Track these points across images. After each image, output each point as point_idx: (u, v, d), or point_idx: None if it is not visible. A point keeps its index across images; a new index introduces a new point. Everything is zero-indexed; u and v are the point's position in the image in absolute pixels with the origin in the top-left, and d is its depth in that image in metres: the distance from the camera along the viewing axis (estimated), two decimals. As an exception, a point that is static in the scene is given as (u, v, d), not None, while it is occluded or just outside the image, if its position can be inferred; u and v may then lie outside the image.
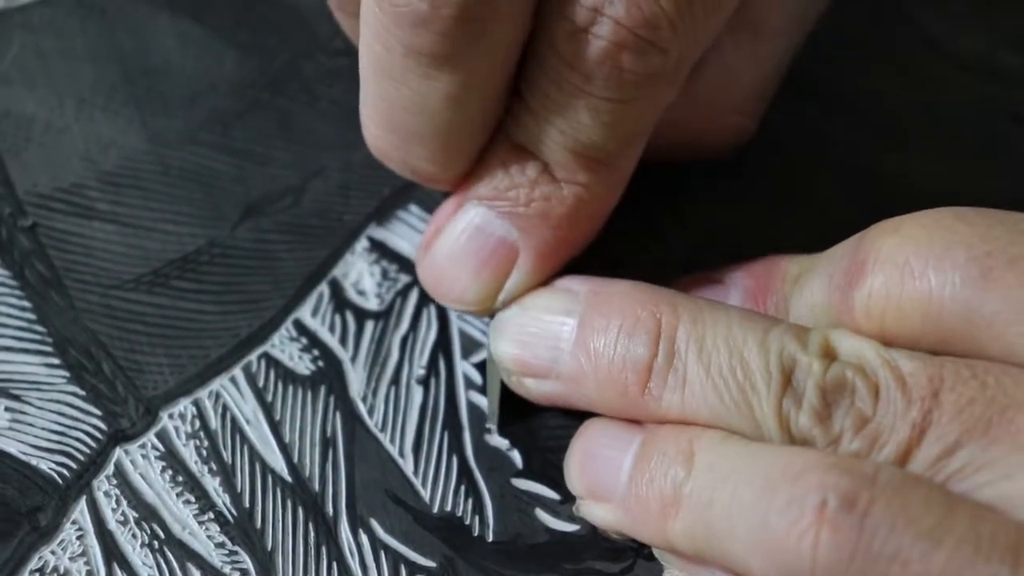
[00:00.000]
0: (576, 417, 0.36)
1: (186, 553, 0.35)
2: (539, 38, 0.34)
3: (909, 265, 0.32)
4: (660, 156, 0.38)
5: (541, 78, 0.34)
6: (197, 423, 0.37)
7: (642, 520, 0.33)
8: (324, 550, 0.35)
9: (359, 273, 0.40)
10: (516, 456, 0.37)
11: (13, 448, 0.36)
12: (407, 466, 0.37)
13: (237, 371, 0.38)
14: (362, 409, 0.38)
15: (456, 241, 0.37)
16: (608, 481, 0.34)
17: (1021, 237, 0.31)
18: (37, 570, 0.35)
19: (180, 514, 0.36)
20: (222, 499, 0.36)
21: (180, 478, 0.36)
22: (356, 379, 0.38)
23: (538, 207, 0.36)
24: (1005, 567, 0.28)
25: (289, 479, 0.36)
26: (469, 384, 0.38)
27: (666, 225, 0.41)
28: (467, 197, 0.37)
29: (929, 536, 0.29)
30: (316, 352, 0.38)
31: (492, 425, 0.37)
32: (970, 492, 0.30)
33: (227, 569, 0.35)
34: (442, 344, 0.39)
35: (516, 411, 0.37)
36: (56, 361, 0.38)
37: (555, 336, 0.35)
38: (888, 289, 0.32)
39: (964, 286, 0.31)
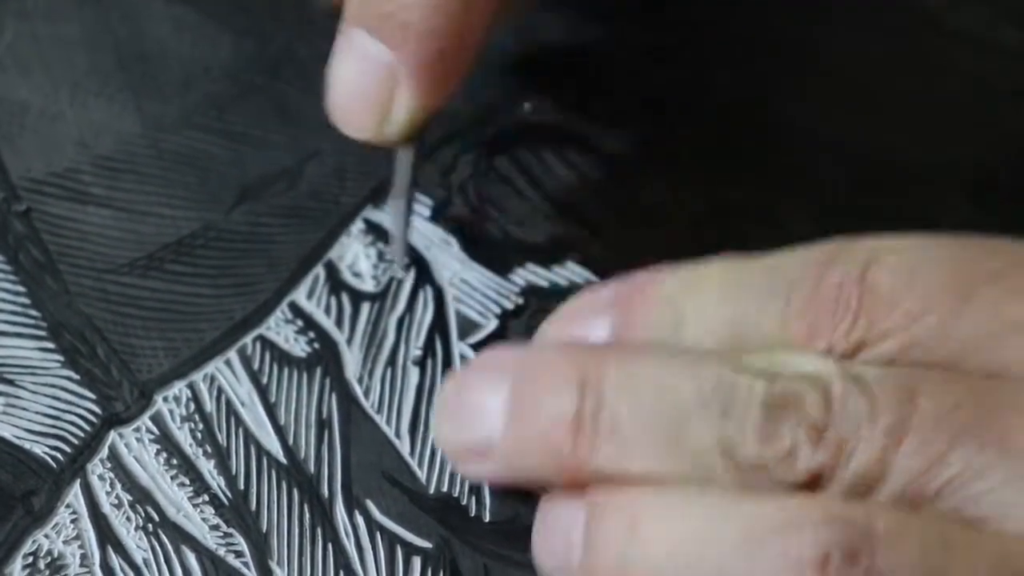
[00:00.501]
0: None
1: (181, 536, 0.35)
2: None
3: (884, 298, 0.30)
4: None
5: None
6: (192, 406, 0.37)
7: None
8: (319, 532, 0.35)
9: (355, 255, 0.40)
10: (513, 436, 0.37)
11: (7, 432, 0.36)
12: (403, 447, 0.37)
13: (232, 354, 0.38)
14: (358, 391, 0.37)
15: (348, 70, 0.36)
16: (564, 560, 0.32)
17: (996, 254, 0.30)
18: (31, 553, 0.35)
19: (175, 497, 0.36)
20: (217, 482, 0.36)
21: (175, 461, 0.36)
22: (352, 361, 0.38)
23: (399, 18, 0.35)
24: None
25: (284, 461, 0.36)
26: (466, 363, 0.38)
27: (665, 204, 0.40)
28: (348, 23, 0.36)
29: None
30: (312, 334, 0.38)
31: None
32: (968, 502, 0.28)
33: (222, 551, 0.35)
34: (438, 325, 0.38)
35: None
36: (50, 345, 0.38)
37: (489, 411, 0.33)
38: (872, 321, 0.30)
39: (941, 314, 0.30)
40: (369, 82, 0.35)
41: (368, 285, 0.39)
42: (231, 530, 0.35)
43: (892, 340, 0.30)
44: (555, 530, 0.32)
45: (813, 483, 0.29)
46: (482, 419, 0.33)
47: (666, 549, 0.30)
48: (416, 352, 0.38)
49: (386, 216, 0.38)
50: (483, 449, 0.33)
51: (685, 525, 0.30)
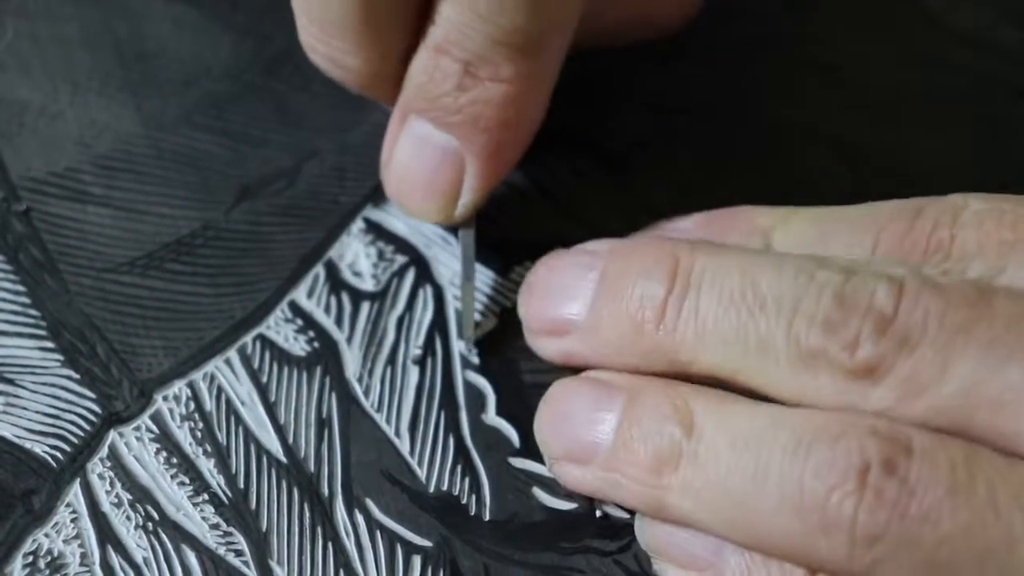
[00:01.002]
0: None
1: (180, 535, 0.35)
2: None
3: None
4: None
5: None
6: (192, 405, 0.37)
7: (629, 480, 0.33)
8: (319, 530, 0.35)
9: (355, 254, 0.39)
10: (513, 435, 0.37)
11: (7, 431, 0.36)
12: (403, 446, 0.37)
13: (232, 353, 0.38)
14: (358, 390, 0.37)
15: (405, 156, 0.37)
16: (589, 441, 0.34)
17: None
18: (31, 553, 0.35)
19: (174, 496, 0.36)
20: (217, 481, 0.36)
21: (174, 460, 0.36)
22: (352, 360, 0.38)
23: (470, 112, 0.35)
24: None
25: (284, 460, 0.36)
26: (465, 364, 0.38)
27: (660, 199, 0.40)
28: (405, 110, 0.37)
29: (955, 495, 0.29)
30: (311, 333, 0.38)
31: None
32: (1012, 420, 0.29)
33: (222, 550, 0.35)
34: (438, 324, 0.38)
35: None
36: (50, 344, 0.38)
37: (578, 289, 0.35)
38: (964, 257, 0.32)
39: None
40: (433, 169, 0.37)
41: (368, 284, 0.39)
42: (231, 529, 0.35)
43: (981, 262, 0.31)
44: (582, 413, 0.34)
45: (869, 373, 0.31)
46: (571, 296, 0.35)
47: (727, 443, 0.31)
48: (416, 351, 0.38)
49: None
50: (565, 326, 0.35)
51: (741, 426, 0.31)
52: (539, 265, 0.37)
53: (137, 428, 0.37)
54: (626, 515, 0.35)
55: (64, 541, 0.35)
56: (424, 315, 0.39)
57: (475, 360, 0.38)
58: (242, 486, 0.36)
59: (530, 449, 0.36)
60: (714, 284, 0.33)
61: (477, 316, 0.38)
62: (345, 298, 0.39)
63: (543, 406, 0.35)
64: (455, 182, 0.36)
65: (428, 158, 0.36)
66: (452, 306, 0.39)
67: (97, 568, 0.34)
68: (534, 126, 0.37)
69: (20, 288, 0.38)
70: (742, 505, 0.31)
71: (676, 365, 0.33)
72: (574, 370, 0.36)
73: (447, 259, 0.39)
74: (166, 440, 0.36)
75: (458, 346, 0.38)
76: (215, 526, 0.35)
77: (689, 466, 0.32)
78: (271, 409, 0.37)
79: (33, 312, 0.38)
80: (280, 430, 0.37)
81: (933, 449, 0.30)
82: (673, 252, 0.34)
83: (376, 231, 0.40)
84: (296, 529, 0.35)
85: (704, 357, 0.33)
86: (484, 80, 0.35)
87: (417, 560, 0.35)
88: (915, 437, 0.30)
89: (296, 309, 0.39)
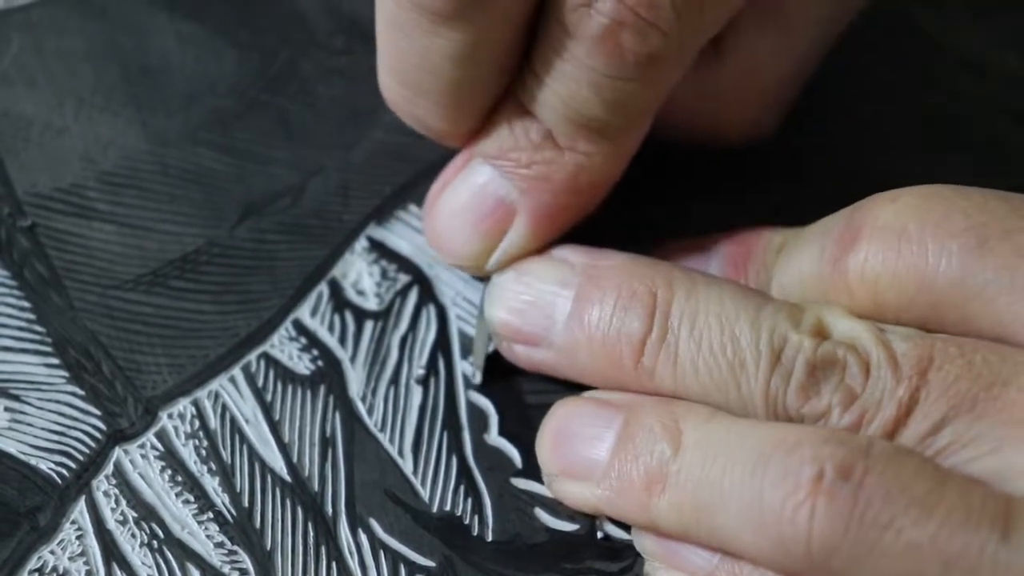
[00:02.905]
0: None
1: (185, 553, 0.35)
2: (548, 6, 0.34)
3: (907, 232, 0.32)
4: (674, 137, 0.39)
5: (546, 47, 0.34)
6: (196, 423, 0.37)
7: (624, 497, 0.34)
8: (323, 550, 0.35)
9: (358, 273, 0.40)
10: (516, 455, 0.37)
11: (12, 448, 0.36)
12: (406, 466, 0.37)
13: (236, 371, 0.38)
14: (361, 409, 0.38)
15: (459, 196, 0.37)
16: (587, 459, 0.34)
17: (1017, 213, 0.32)
18: (36, 570, 0.35)
19: (179, 514, 0.36)
20: (221, 499, 0.36)
21: (179, 478, 0.36)
22: (355, 379, 0.38)
23: (539, 170, 0.36)
24: (995, 533, 0.29)
25: (288, 479, 0.36)
26: (468, 384, 0.38)
27: (657, 218, 0.40)
28: (473, 153, 0.37)
29: (922, 504, 0.29)
30: (315, 352, 0.38)
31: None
32: (959, 467, 0.30)
33: (226, 569, 0.35)
34: (441, 344, 0.39)
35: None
36: (55, 361, 0.38)
37: (550, 305, 0.36)
38: (884, 255, 0.32)
39: (960, 254, 0.32)
40: (485, 216, 0.37)
41: (371, 303, 0.39)
42: (235, 547, 0.35)
43: (912, 276, 0.32)
44: (582, 431, 0.35)
45: (845, 430, 0.32)
46: (545, 310, 0.36)
47: (702, 458, 0.32)
48: (419, 371, 0.38)
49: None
50: (539, 338, 0.36)
51: (717, 440, 0.32)
52: (511, 271, 0.37)
53: (142, 445, 0.37)
54: (628, 536, 0.35)
55: (69, 558, 0.35)
56: (427, 335, 0.39)
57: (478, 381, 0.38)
58: (246, 504, 0.36)
59: (532, 470, 0.36)
60: (692, 332, 0.34)
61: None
62: (349, 317, 0.39)
63: (545, 423, 0.36)
64: (499, 234, 0.37)
65: (482, 204, 0.37)
66: (455, 326, 0.39)
67: (102, 586, 0.35)
68: (595, 202, 0.37)
69: (25, 304, 0.38)
70: (714, 520, 0.32)
71: (660, 393, 0.34)
72: (577, 388, 0.36)
73: (450, 279, 0.40)
74: (171, 458, 0.37)
75: (462, 366, 0.38)
76: (219, 544, 0.35)
77: (674, 483, 0.33)
78: (275, 427, 0.37)
79: (38, 328, 0.38)
80: (284, 448, 0.37)
81: (897, 454, 0.30)
82: (650, 286, 0.34)
83: (379, 250, 0.40)
84: (300, 548, 0.35)
85: (684, 395, 0.34)
86: (562, 147, 0.36)
87: (420, 580, 0.35)
88: (876, 443, 0.30)
89: (300, 327, 0.39)
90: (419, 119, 0.37)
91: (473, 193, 0.37)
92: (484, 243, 0.37)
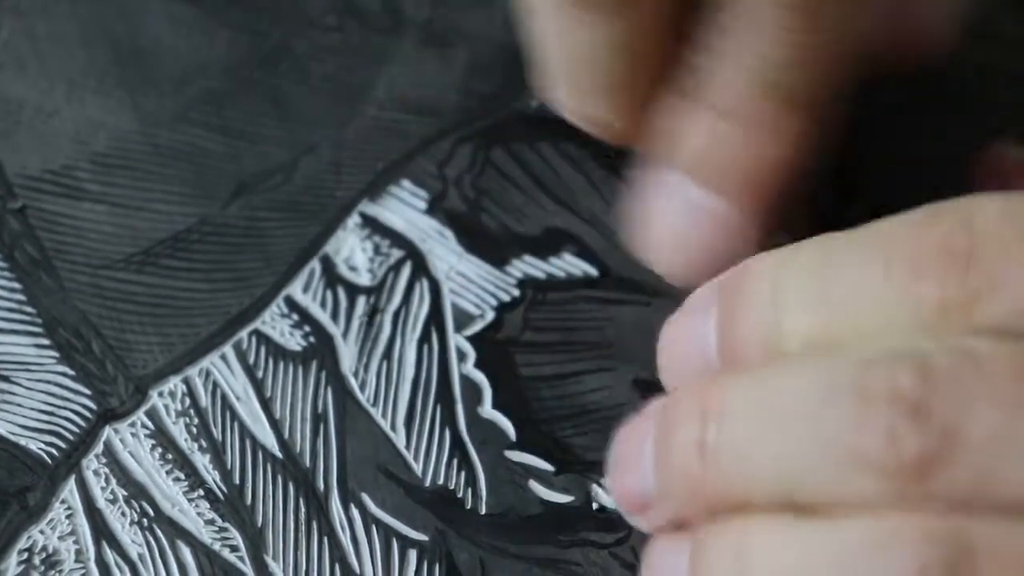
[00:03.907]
0: (569, 389, 0.35)
1: (176, 530, 0.35)
2: None
3: None
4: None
5: (722, 14, 0.33)
6: (187, 401, 0.37)
7: None
8: (315, 525, 0.35)
9: (351, 249, 0.39)
10: (509, 428, 0.36)
11: (2, 428, 0.36)
12: (399, 440, 0.36)
13: (227, 348, 0.38)
14: (353, 384, 0.37)
15: (665, 217, 0.35)
16: None
17: None
18: (26, 549, 0.35)
19: (170, 491, 0.35)
20: (212, 476, 0.36)
21: (170, 456, 0.36)
22: (347, 354, 0.38)
23: (730, 169, 0.34)
24: None
25: (280, 455, 0.36)
26: (461, 357, 0.38)
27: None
28: (662, 170, 0.35)
29: None
30: (307, 328, 0.38)
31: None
32: None
33: (217, 546, 0.35)
34: (435, 318, 0.38)
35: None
36: (45, 341, 0.37)
37: (642, 460, 0.32)
38: (988, 269, 0.28)
39: None
40: (699, 230, 0.34)
41: (364, 279, 0.39)
42: (226, 524, 0.35)
43: (1010, 290, 0.28)
44: (661, 569, 0.32)
45: (925, 471, 0.27)
46: (638, 469, 0.32)
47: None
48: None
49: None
50: (644, 500, 0.32)
51: (789, 551, 0.28)
52: (616, 438, 0.34)
53: (132, 424, 0.36)
54: (623, 508, 0.35)
55: (59, 538, 0.35)
56: (420, 309, 0.38)
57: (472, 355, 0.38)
58: (238, 481, 0.36)
59: (525, 442, 0.36)
60: (746, 420, 0.30)
61: (474, 310, 0.38)
62: (341, 293, 0.39)
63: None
64: (719, 242, 0.34)
65: (689, 217, 0.35)
66: (448, 300, 0.39)
67: (92, 564, 0.34)
68: (800, 177, 0.35)
69: (15, 285, 0.38)
70: None
71: (731, 507, 0.30)
72: (591, 370, 0.36)
73: (443, 253, 0.39)
74: (161, 436, 0.36)
75: (455, 340, 0.38)
76: (210, 522, 0.35)
77: None
78: (267, 404, 0.37)
79: (28, 309, 0.38)
80: (276, 425, 0.36)
81: (1000, 545, 0.27)
82: (701, 394, 0.31)
83: (372, 225, 0.40)
84: (292, 524, 0.35)
85: (754, 489, 0.30)
86: (746, 132, 0.33)
87: (413, 554, 0.35)
88: (978, 534, 0.27)
89: (292, 304, 0.38)
90: (584, 115, 0.36)
91: (676, 210, 0.35)
92: (708, 256, 0.34)
